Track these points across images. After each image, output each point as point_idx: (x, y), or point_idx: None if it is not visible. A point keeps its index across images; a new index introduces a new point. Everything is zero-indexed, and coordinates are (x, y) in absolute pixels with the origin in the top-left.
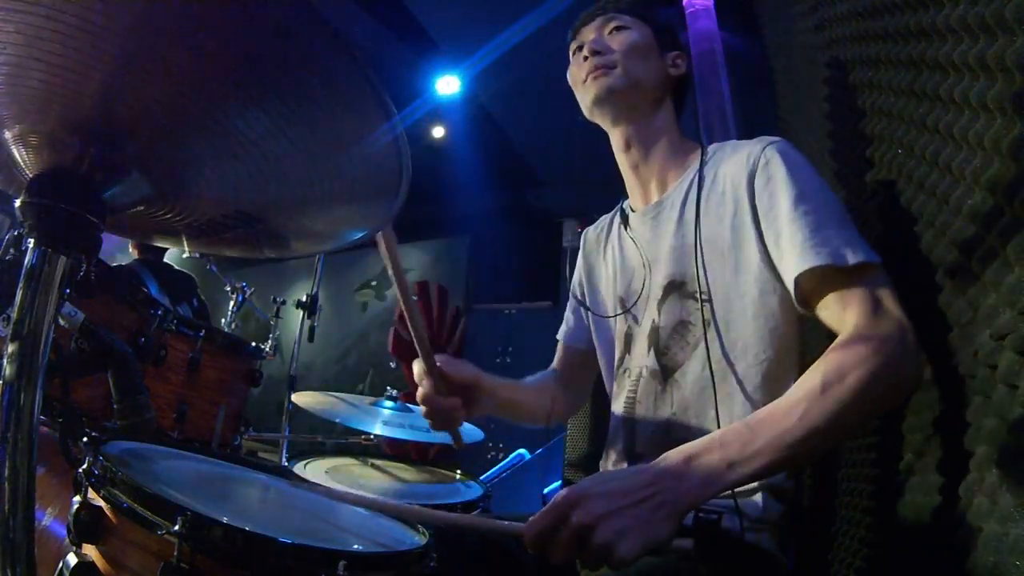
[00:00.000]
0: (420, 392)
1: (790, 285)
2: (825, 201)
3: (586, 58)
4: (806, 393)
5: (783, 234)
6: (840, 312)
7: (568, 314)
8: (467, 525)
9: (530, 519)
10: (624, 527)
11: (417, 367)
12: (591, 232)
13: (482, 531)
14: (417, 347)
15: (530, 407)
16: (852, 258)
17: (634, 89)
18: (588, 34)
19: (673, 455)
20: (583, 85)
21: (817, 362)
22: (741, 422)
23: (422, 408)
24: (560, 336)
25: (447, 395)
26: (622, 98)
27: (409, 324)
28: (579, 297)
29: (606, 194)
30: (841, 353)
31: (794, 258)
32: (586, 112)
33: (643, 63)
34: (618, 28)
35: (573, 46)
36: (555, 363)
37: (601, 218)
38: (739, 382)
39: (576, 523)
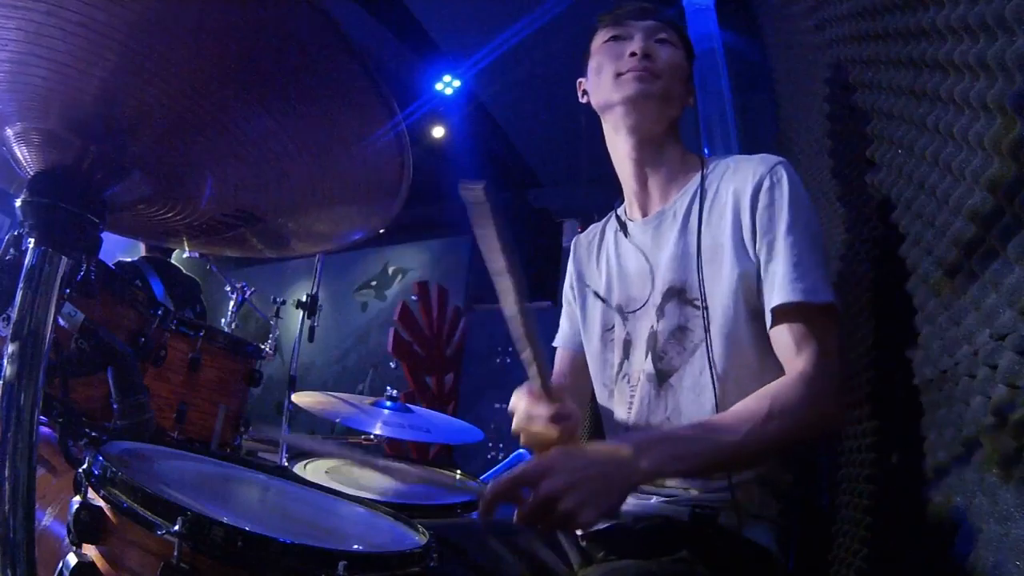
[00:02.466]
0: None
1: (767, 310)
2: (811, 234)
3: (634, 54)
4: (753, 415)
5: (773, 259)
6: (792, 353)
7: (563, 320)
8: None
9: (496, 479)
10: (584, 499)
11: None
12: (583, 239)
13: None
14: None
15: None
16: (822, 296)
17: (665, 105)
18: (637, 31)
19: (629, 440)
20: (617, 78)
21: (769, 388)
22: (697, 423)
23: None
24: (558, 343)
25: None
26: (652, 107)
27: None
28: (571, 302)
29: (606, 194)
30: (792, 391)
31: (774, 288)
32: (603, 101)
33: (678, 86)
34: (665, 41)
35: (612, 32)
36: (556, 371)
37: (592, 226)
38: (734, 389)
39: (544, 492)
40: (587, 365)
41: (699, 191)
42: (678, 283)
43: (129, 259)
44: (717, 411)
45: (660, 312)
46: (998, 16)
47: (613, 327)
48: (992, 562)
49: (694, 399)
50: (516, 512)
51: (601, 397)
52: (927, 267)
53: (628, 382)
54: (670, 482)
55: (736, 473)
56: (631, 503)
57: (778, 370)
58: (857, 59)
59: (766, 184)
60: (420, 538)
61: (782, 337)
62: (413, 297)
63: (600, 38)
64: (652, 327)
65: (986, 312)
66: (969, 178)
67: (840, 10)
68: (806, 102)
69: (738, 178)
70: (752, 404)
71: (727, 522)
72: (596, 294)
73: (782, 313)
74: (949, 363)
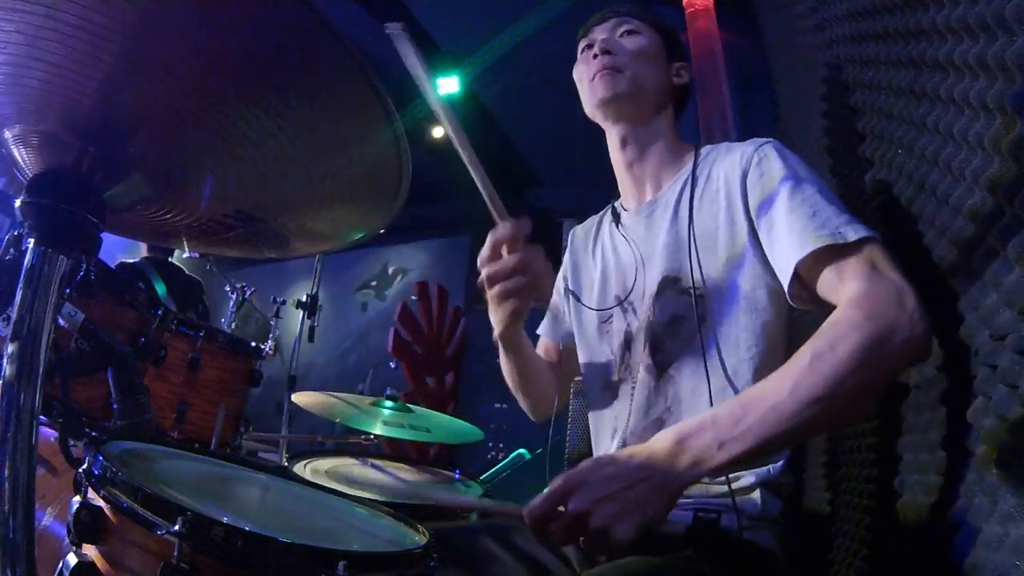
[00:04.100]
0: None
1: (786, 274)
2: (820, 188)
3: (596, 56)
4: (796, 366)
5: (779, 226)
6: (838, 285)
7: (548, 311)
8: (470, 507)
9: (529, 503)
10: (619, 511)
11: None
12: (579, 230)
13: (485, 511)
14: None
15: (544, 375)
16: (852, 235)
17: (639, 93)
18: (600, 34)
19: (665, 436)
20: (590, 83)
21: (814, 335)
22: (733, 400)
23: (504, 265)
24: (542, 331)
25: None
26: (627, 101)
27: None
28: (562, 293)
29: (606, 194)
30: (833, 323)
31: (794, 246)
32: (588, 110)
33: (650, 69)
34: (630, 32)
35: (583, 44)
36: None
37: (590, 218)
38: (730, 377)
39: (574, 510)
40: (570, 356)
41: (690, 178)
42: (672, 272)
43: (131, 260)
44: (711, 404)
45: (655, 302)
46: (998, 16)
47: (611, 319)
48: (992, 562)
49: (694, 388)
50: (553, 539)
51: (594, 391)
52: (927, 267)
53: (630, 374)
54: None
55: (808, 437)
56: None
57: (777, 361)
58: (857, 59)
59: (754, 161)
60: (420, 538)
61: (823, 285)
62: (413, 297)
63: (578, 52)
64: (649, 318)
65: (986, 312)
66: (969, 178)
67: (840, 10)
68: (806, 102)
69: (728, 161)
70: (796, 355)
71: (729, 525)
72: (587, 284)
73: (810, 265)
74: (949, 363)
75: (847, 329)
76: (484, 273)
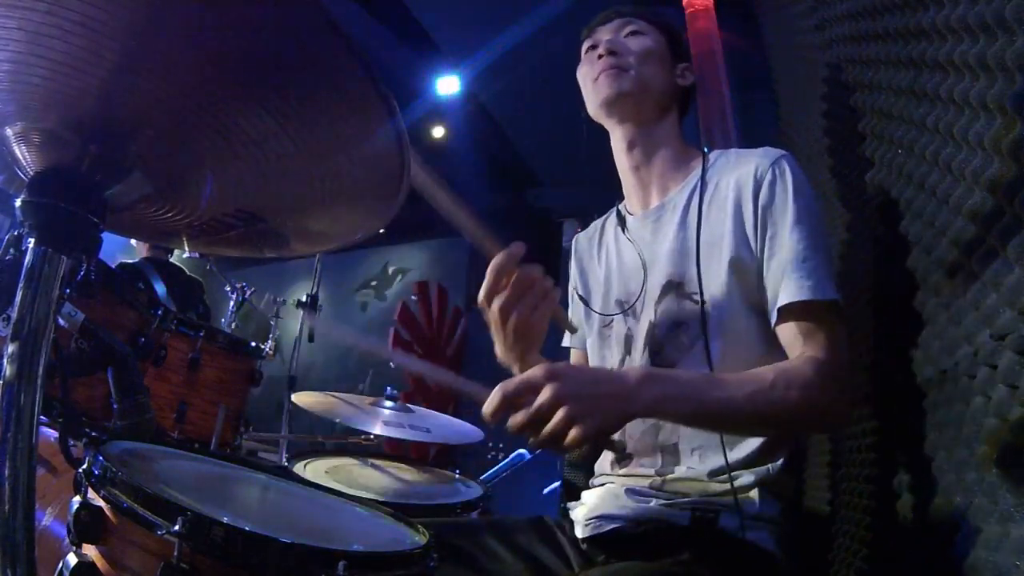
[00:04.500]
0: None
1: (772, 307)
2: (816, 231)
3: (601, 56)
4: (759, 381)
5: (777, 255)
6: (802, 338)
7: (572, 319)
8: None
9: (504, 382)
10: (583, 412)
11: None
12: (583, 237)
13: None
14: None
15: None
16: (830, 293)
17: (644, 94)
18: (604, 34)
19: (640, 371)
20: (594, 83)
21: (778, 364)
22: (706, 374)
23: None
24: (572, 343)
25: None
26: (632, 102)
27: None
28: (574, 301)
29: (606, 194)
30: (796, 370)
31: (779, 285)
32: (592, 110)
33: (655, 70)
34: (635, 32)
35: (587, 44)
36: None
37: (593, 223)
38: None
39: (546, 396)
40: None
41: (699, 184)
42: (676, 277)
43: (131, 261)
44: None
45: (657, 306)
46: (998, 16)
47: (611, 323)
48: (992, 562)
49: None
50: (511, 418)
51: None
52: (927, 267)
53: None
54: (670, 486)
55: (724, 432)
56: (631, 506)
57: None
58: (857, 59)
59: (768, 178)
60: (420, 538)
61: (789, 333)
62: (413, 297)
63: (582, 52)
64: (650, 322)
65: (986, 312)
66: (969, 178)
67: (840, 10)
68: (806, 102)
69: (740, 170)
70: (759, 371)
71: (728, 525)
72: (594, 289)
73: (788, 311)
74: (949, 363)
75: (804, 383)
76: (496, 306)
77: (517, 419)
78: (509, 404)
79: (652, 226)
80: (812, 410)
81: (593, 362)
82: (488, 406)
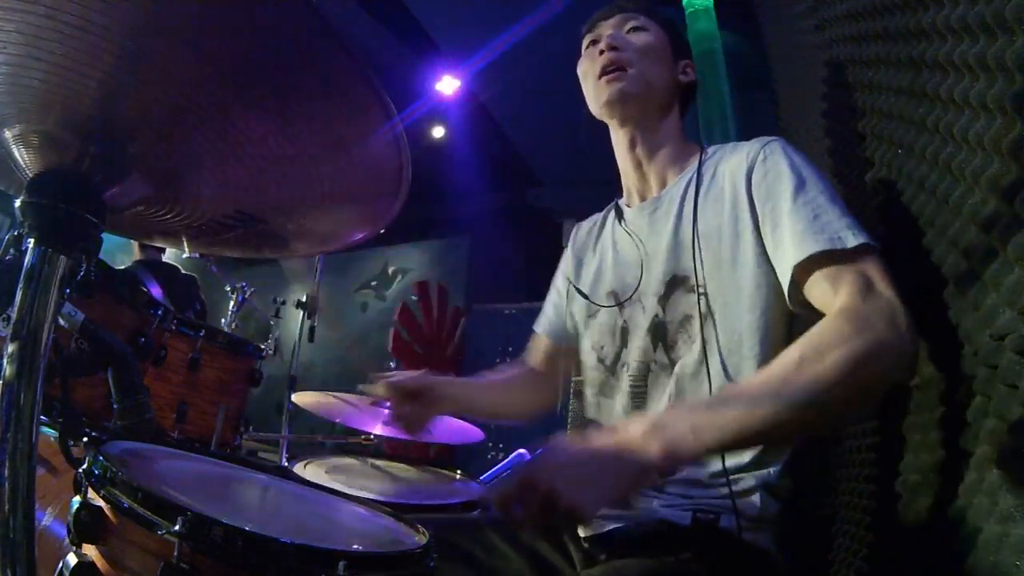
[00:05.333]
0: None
1: (785, 276)
2: (824, 190)
3: (602, 52)
4: (781, 368)
5: (782, 225)
6: (831, 293)
7: (548, 306)
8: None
9: (495, 484)
10: (587, 491)
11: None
12: (583, 226)
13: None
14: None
15: (503, 404)
16: (851, 241)
17: (646, 92)
18: (606, 29)
19: (640, 421)
20: (596, 81)
21: (800, 338)
22: (715, 393)
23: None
24: (538, 327)
25: (405, 403)
26: (634, 101)
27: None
28: (561, 291)
29: (606, 194)
30: (823, 330)
31: (792, 248)
32: (594, 108)
33: (657, 66)
34: (636, 28)
35: (588, 40)
36: (531, 356)
37: (593, 215)
38: (732, 376)
39: (544, 487)
40: (558, 356)
41: (696, 176)
42: (679, 271)
43: (122, 267)
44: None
45: (665, 301)
46: (998, 16)
47: (598, 313)
48: (992, 562)
49: (695, 389)
50: (518, 519)
51: (593, 386)
52: (927, 267)
53: (627, 371)
54: (671, 487)
55: (785, 441)
56: None
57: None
58: (857, 59)
59: (760, 159)
60: (420, 538)
61: (816, 291)
62: (413, 297)
63: (583, 47)
64: (657, 316)
65: (986, 312)
66: (969, 178)
67: (840, 10)
68: (806, 102)
69: (733, 159)
70: (782, 356)
71: (728, 526)
72: (589, 280)
73: (806, 268)
74: (949, 363)
75: (837, 340)
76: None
77: (521, 520)
78: (514, 503)
79: (649, 218)
80: (862, 366)
81: (586, 354)
82: (498, 509)
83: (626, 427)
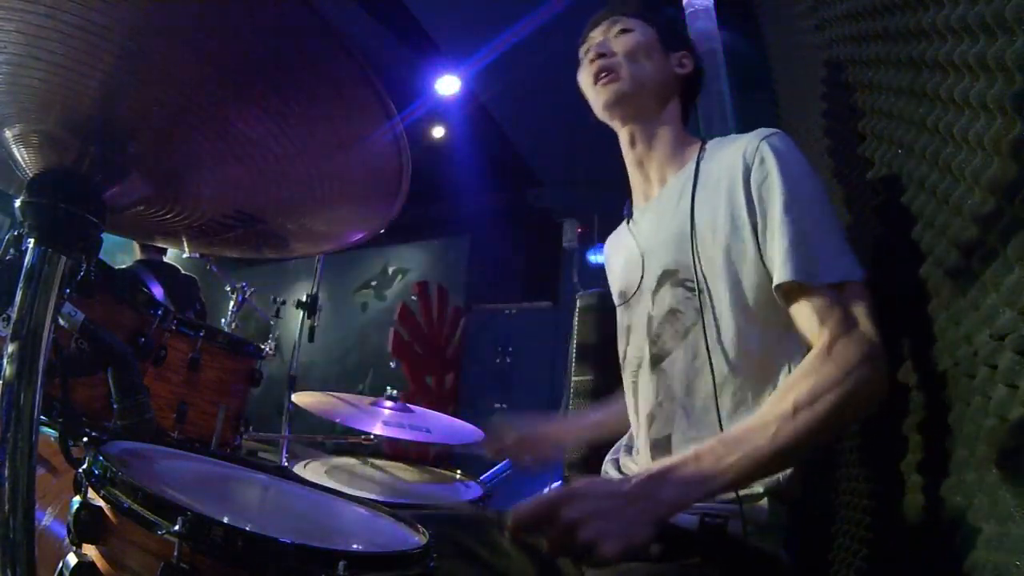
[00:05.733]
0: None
1: (775, 288)
2: (813, 207)
3: (592, 60)
4: (778, 415)
5: (773, 237)
6: (814, 323)
7: None
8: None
9: (519, 506)
10: (607, 529)
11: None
12: (611, 237)
13: (466, 518)
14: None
15: (611, 432)
16: (828, 276)
17: (640, 90)
18: (596, 37)
19: (656, 466)
20: (593, 88)
21: (790, 380)
22: (716, 439)
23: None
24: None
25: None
26: (630, 100)
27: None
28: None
29: (605, 194)
30: (814, 376)
31: (778, 266)
32: (598, 114)
33: (646, 63)
34: (623, 31)
35: (583, 51)
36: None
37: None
38: (728, 372)
39: (569, 518)
40: None
41: (694, 171)
42: (673, 265)
43: (123, 267)
44: (716, 395)
45: (654, 295)
46: (998, 16)
47: (619, 313)
48: (992, 562)
49: (685, 384)
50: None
51: (624, 386)
52: (927, 267)
53: (629, 367)
54: None
55: (781, 471)
56: None
57: (775, 357)
58: (857, 59)
59: (758, 158)
60: (420, 538)
61: (801, 315)
62: (413, 297)
63: (581, 58)
64: (648, 311)
65: (986, 312)
66: (969, 178)
67: (840, 10)
68: (806, 102)
69: (730, 154)
70: (777, 401)
71: (736, 531)
72: (613, 285)
73: (790, 292)
74: (949, 363)
75: (828, 385)
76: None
77: (546, 546)
78: (536, 525)
79: (650, 217)
80: (848, 409)
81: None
82: (515, 531)
83: (647, 471)
